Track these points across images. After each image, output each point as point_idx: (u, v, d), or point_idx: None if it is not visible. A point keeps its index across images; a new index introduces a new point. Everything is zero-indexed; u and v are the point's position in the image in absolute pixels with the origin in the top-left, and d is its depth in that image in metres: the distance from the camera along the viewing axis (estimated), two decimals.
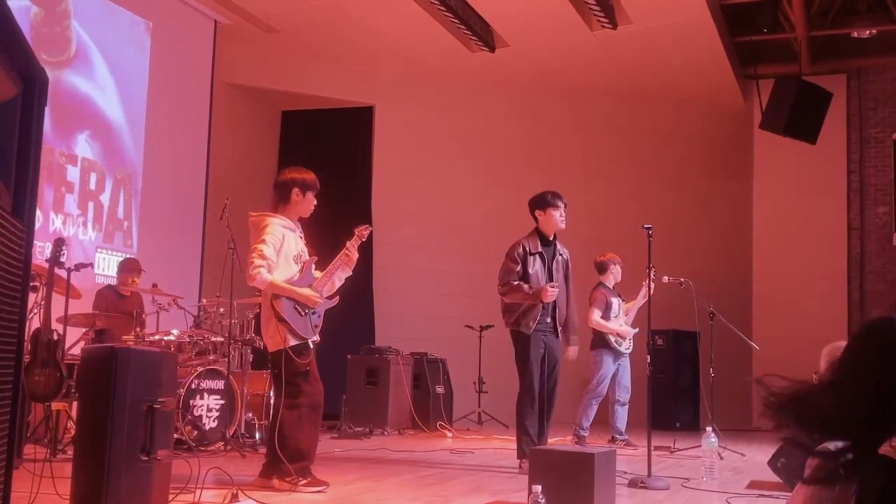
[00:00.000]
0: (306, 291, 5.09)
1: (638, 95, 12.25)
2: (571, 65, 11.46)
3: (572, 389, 9.26)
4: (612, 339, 8.08)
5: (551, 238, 6.42)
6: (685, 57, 10.86)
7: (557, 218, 6.34)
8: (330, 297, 5.28)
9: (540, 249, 6.34)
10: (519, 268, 6.25)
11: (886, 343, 1.79)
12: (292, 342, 5.00)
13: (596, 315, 8.06)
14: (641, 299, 8.12)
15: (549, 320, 6.30)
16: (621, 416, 8.23)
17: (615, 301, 8.20)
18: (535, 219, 6.43)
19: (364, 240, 5.36)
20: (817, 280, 11.23)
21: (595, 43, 10.64)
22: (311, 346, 5.14)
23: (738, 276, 11.73)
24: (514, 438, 6.38)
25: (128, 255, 8.59)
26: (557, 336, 6.37)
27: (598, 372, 8.09)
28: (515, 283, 6.19)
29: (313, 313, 5.15)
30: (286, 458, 4.91)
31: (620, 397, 8.22)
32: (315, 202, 5.29)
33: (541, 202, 6.38)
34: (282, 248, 5.07)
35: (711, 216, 12.39)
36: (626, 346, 8.15)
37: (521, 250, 6.30)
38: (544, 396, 6.33)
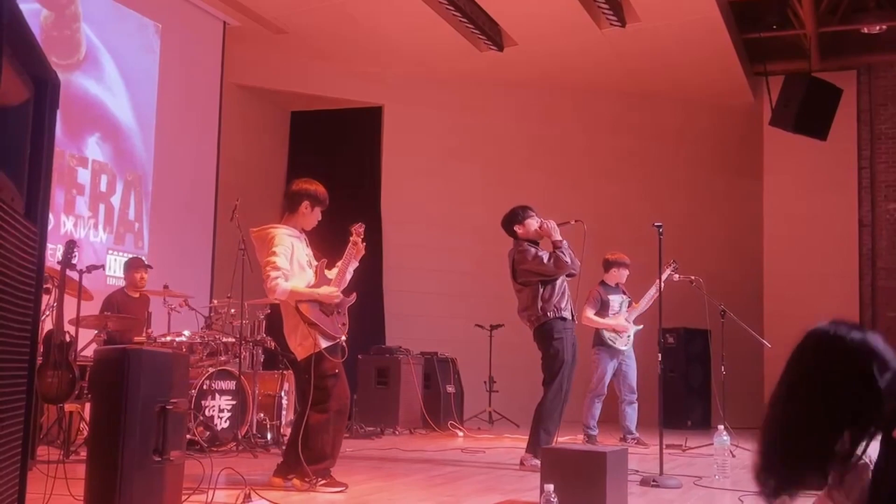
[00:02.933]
0: (325, 290, 5.11)
1: (647, 94, 12.23)
2: (580, 64, 11.44)
3: (577, 388, 9.25)
4: (607, 335, 8.11)
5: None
6: (694, 54, 10.83)
7: (537, 224, 6.49)
8: (346, 294, 5.30)
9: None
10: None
11: (823, 351, 1.90)
12: (324, 344, 5.03)
13: (588, 312, 8.12)
14: (648, 300, 8.13)
15: (570, 311, 6.42)
16: (630, 415, 8.23)
17: (615, 298, 8.23)
18: (515, 233, 6.57)
19: (362, 236, 5.35)
20: (828, 277, 11.19)
21: (603, 42, 10.62)
22: (343, 344, 5.17)
23: (748, 273, 11.69)
24: (526, 437, 6.39)
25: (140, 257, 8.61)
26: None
27: (596, 371, 8.15)
28: (549, 256, 6.32)
29: (338, 312, 5.18)
30: (310, 460, 4.93)
31: (626, 396, 8.22)
32: (320, 218, 5.31)
33: (521, 217, 6.55)
34: (293, 257, 5.09)
35: (721, 214, 12.36)
36: (622, 343, 8.15)
37: (532, 248, 6.44)
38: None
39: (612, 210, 12.09)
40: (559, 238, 6.35)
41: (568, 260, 6.28)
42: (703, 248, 11.52)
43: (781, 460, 1.95)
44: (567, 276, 6.46)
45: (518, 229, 6.53)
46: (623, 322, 8.15)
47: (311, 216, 5.26)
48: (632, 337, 8.21)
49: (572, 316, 6.44)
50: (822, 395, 1.90)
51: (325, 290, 5.12)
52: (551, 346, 6.29)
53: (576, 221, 6.40)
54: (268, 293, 5.03)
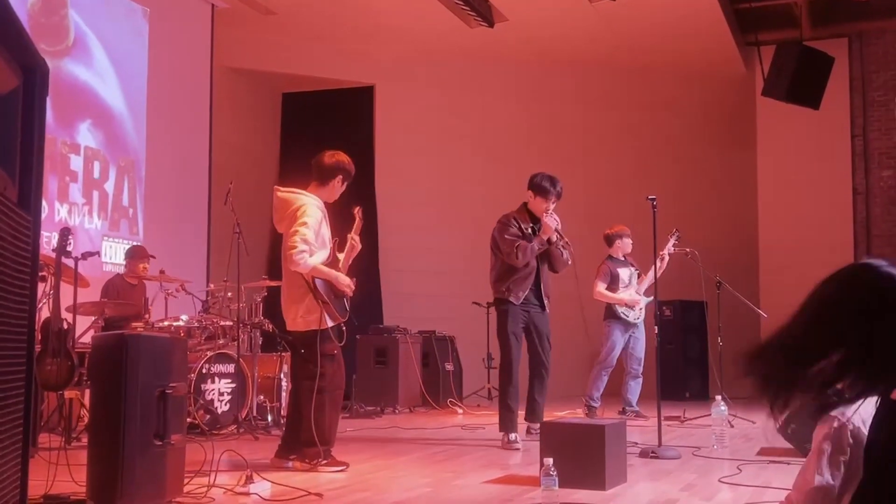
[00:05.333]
0: (343, 277, 5.15)
1: (638, 67, 12.18)
2: (571, 38, 11.39)
3: (583, 362, 9.28)
4: (620, 309, 8.13)
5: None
6: (685, 25, 10.78)
7: (542, 208, 6.38)
8: None
9: (530, 227, 6.42)
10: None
11: (865, 283, 1.83)
12: (330, 324, 5.05)
13: (600, 287, 8.15)
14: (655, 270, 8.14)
15: (535, 295, 6.37)
16: (633, 388, 8.27)
17: (624, 272, 8.23)
18: (529, 196, 6.52)
19: (362, 221, 5.40)
20: (824, 246, 11.20)
21: (593, 15, 10.56)
22: (344, 328, 5.19)
23: (743, 244, 11.71)
24: (525, 413, 6.42)
25: (133, 243, 8.60)
26: (544, 310, 6.44)
27: (606, 343, 8.17)
28: (517, 244, 6.23)
29: (344, 295, 5.20)
30: (308, 441, 4.96)
31: (632, 369, 8.25)
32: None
33: (536, 188, 6.44)
34: (319, 231, 5.09)
35: (715, 186, 12.35)
36: (634, 316, 8.18)
37: (514, 228, 6.37)
38: (537, 371, 6.39)
39: (606, 184, 12.09)
40: (545, 238, 6.27)
41: (521, 260, 6.19)
42: (698, 220, 11.52)
43: (772, 364, 1.91)
44: (551, 270, 6.44)
45: (530, 197, 6.47)
46: (634, 295, 8.17)
47: (339, 190, 5.30)
48: (643, 309, 8.23)
49: (543, 306, 6.40)
50: (841, 324, 1.85)
51: (343, 277, 5.14)
52: (498, 321, 6.35)
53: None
54: (290, 264, 4.96)
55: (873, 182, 11.33)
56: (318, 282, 5.01)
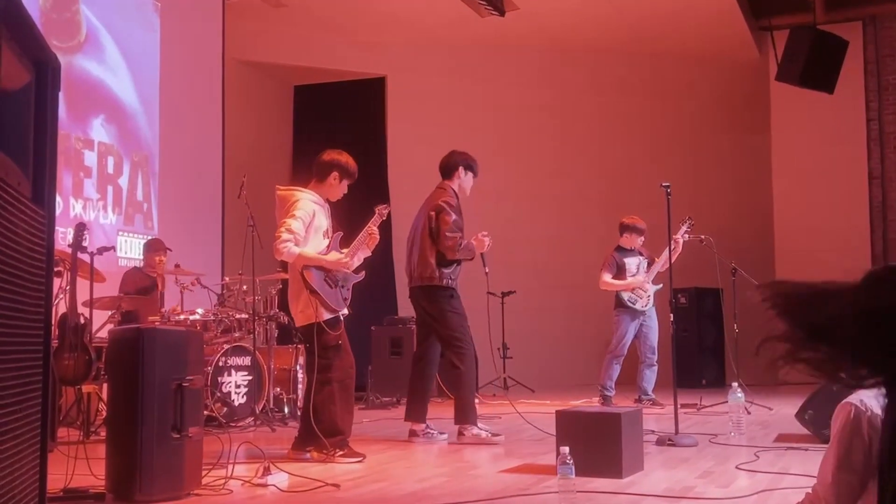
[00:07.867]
0: (334, 256, 5.15)
1: (651, 54, 12.13)
2: (582, 25, 11.35)
3: (598, 350, 9.26)
4: (626, 297, 8.12)
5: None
6: (698, 11, 10.73)
7: (470, 186, 6.34)
8: (355, 272, 5.34)
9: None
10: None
11: None
12: (326, 315, 5.07)
13: (605, 276, 8.16)
14: (664, 260, 8.11)
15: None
16: (648, 377, 8.26)
17: (631, 261, 8.22)
18: (457, 177, 6.45)
19: (384, 218, 5.41)
20: (840, 231, 11.15)
21: (605, 1, 10.52)
22: (342, 318, 5.20)
23: (758, 230, 11.66)
24: (542, 403, 6.41)
25: (148, 237, 8.63)
26: None
27: (616, 332, 8.17)
28: (463, 241, 6.05)
29: (343, 286, 5.20)
30: (322, 432, 4.98)
31: (647, 357, 8.24)
32: (346, 191, 5.35)
33: (471, 164, 6.48)
34: (312, 223, 5.12)
35: (730, 172, 12.29)
36: (641, 304, 8.16)
37: (455, 205, 6.25)
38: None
39: (620, 171, 12.05)
40: (473, 251, 6.13)
41: (454, 255, 6.06)
42: (713, 207, 11.48)
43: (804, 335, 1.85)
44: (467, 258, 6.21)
45: (462, 175, 6.43)
46: (643, 284, 8.16)
47: (339, 188, 5.31)
48: (652, 297, 8.21)
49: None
50: (874, 319, 1.82)
51: (332, 255, 5.15)
52: (446, 311, 6.16)
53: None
54: (276, 254, 5.07)
55: (889, 166, 11.25)
56: (312, 274, 5.04)
